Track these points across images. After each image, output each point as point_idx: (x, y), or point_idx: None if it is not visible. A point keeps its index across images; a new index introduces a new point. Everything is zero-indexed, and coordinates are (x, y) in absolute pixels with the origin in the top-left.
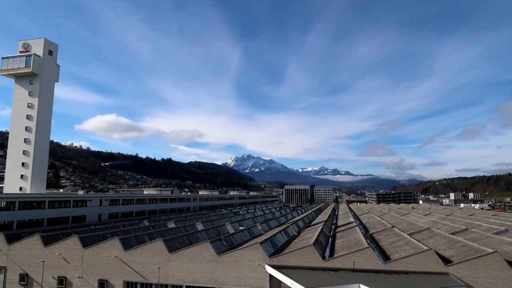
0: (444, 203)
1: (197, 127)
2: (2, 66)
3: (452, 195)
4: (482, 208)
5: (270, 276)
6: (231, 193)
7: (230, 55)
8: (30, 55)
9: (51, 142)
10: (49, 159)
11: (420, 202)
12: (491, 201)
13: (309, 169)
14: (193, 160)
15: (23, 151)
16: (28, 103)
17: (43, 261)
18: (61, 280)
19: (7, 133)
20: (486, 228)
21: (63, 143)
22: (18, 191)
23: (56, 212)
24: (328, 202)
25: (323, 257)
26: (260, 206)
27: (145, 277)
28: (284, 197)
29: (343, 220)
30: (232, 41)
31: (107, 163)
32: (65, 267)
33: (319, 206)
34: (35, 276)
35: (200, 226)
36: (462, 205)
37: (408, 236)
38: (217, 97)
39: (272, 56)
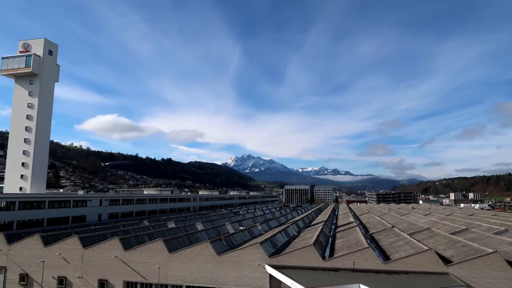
0: (444, 203)
1: (197, 127)
2: (2, 66)
3: (452, 195)
4: (482, 208)
5: (270, 276)
6: (231, 193)
7: (230, 55)
8: (30, 55)
9: (51, 142)
10: (49, 159)
11: (420, 202)
12: (491, 201)
13: (309, 169)
14: (193, 160)
15: (23, 151)
16: (28, 103)
17: (43, 261)
18: (61, 280)
19: (7, 133)
20: (486, 228)
21: (63, 143)
22: (18, 191)
23: (56, 212)
24: (328, 202)
25: (323, 257)
26: (260, 206)
27: (145, 277)
28: (284, 197)
29: (343, 220)
30: (232, 41)
31: (107, 163)
32: (65, 267)
33: (319, 206)
34: (35, 276)
35: (200, 226)
36: (462, 205)
37: (408, 236)
38: (217, 97)
39: (272, 56)
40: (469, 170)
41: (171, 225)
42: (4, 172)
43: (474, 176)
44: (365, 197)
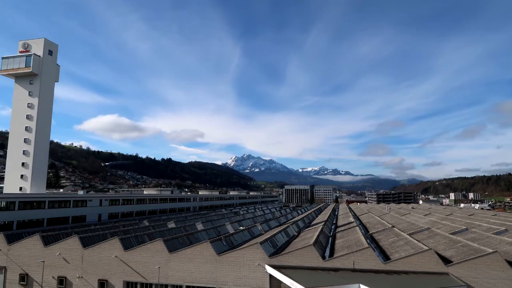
0: (444, 203)
1: (197, 127)
2: (2, 66)
3: (452, 195)
4: (482, 208)
5: (270, 276)
6: (231, 193)
7: (230, 54)
8: (30, 55)
9: (51, 142)
10: (49, 159)
11: (420, 202)
12: (491, 201)
13: (309, 169)
14: (193, 160)
15: (23, 151)
16: (28, 103)
17: (43, 261)
18: (61, 280)
19: (7, 133)
20: (486, 228)
21: (63, 143)
22: (18, 191)
23: (56, 212)
24: (328, 202)
25: (323, 257)
26: (260, 206)
27: (145, 277)
28: (284, 197)
29: (343, 220)
30: (232, 40)
31: (107, 163)
32: (65, 267)
33: (319, 206)
34: (35, 276)
35: (200, 226)
36: (462, 205)
37: (408, 236)
38: (217, 97)
39: (272, 56)
40: (469, 170)
41: (171, 225)
42: (4, 172)
43: (474, 176)
44: (365, 197)
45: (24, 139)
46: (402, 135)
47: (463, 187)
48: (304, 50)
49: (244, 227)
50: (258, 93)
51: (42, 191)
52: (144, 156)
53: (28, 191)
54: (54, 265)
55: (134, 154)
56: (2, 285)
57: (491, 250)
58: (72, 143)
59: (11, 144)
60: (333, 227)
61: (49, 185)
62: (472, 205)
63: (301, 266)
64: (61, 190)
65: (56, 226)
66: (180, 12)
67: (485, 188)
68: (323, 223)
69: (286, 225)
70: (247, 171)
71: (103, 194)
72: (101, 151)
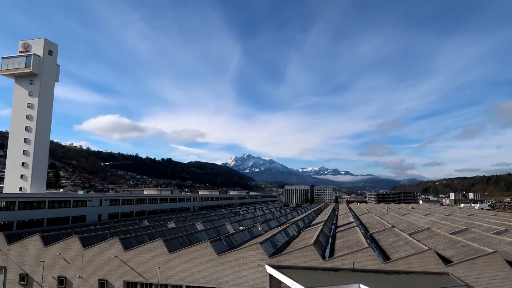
0: (444, 203)
1: (197, 127)
2: (2, 66)
3: (452, 195)
4: (482, 208)
5: (270, 276)
6: (231, 193)
7: (230, 54)
8: (30, 55)
9: (51, 142)
10: (49, 159)
11: (420, 202)
12: (491, 201)
13: (309, 169)
14: (193, 160)
15: (23, 151)
16: (28, 103)
17: (43, 261)
18: (61, 280)
19: (7, 133)
20: (486, 228)
21: (63, 143)
22: (18, 191)
23: (56, 212)
24: (328, 202)
25: (323, 257)
26: (260, 206)
27: (145, 277)
28: (284, 197)
29: (343, 220)
30: (232, 40)
31: (107, 163)
32: (65, 267)
33: (319, 206)
34: (35, 276)
35: (200, 226)
36: (462, 205)
37: (408, 236)
38: (217, 97)
39: (272, 55)
40: (469, 170)
41: (171, 225)
42: (4, 172)
43: (474, 176)
44: (365, 197)
45: (24, 139)
46: (402, 135)
47: (463, 187)
48: (304, 50)
49: (244, 227)
50: (258, 93)
51: (42, 191)
52: (144, 156)
53: (28, 191)
54: (54, 265)
55: (134, 154)
56: (2, 285)
57: (491, 250)
58: (72, 143)
59: (11, 144)
60: (333, 227)
61: (49, 185)
62: (472, 205)
63: (301, 266)
64: (61, 190)
65: (56, 226)
66: (180, 11)
67: (485, 188)
68: (323, 223)
69: (286, 225)
70: (247, 171)
71: (103, 194)
72: (101, 151)
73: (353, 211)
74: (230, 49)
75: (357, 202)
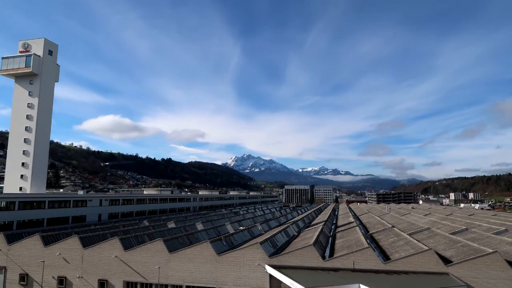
0: (444, 203)
1: (197, 127)
2: (2, 66)
3: (452, 195)
4: (482, 208)
5: (270, 276)
6: (231, 193)
7: (230, 54)
8: (30, 55)
9: (51, 142)
10: (49, 159)
11: (420, 202)
12: (491, 201)
13: (309, 169)
14: (193, 160)
15: (23, 151)
16: (28, 103)
17: (43, 261)
18: (61, 280)
19: (7, 133)
20: (486, 228)
21: (63, 143)
22: (18, 191)
23: (56, 212)
24: (328, 202)
25: (323, 257)
26: (260, 206)
27: (145, 277)
28: (284, 197)
29: (343, 220)
30: (232, 39)
31: (107, 163)
32: (65, 267)
33: (319, 206)
34: (35, 276)
35: (200, 226)
36: (462, 205)
37: (408, 236)
38: (217, 97)
39: (272, 55)
40: (469, 170)
41: (171, 225)
42: (4, 172)
43: (474, 176)
44: (365, 197)
45: (24, 139)
46: (402, 135)
47: (463, 187)
48: (304, 50)
49: (244, 227)
50: (258, 93)
51: (42, 191)
52: (144, 156)
53: (28, 191)
54: (54, 265)
55: (134, 154)
56: (2, 285)
57: (491, 250)
58: (72, 143)
59: (11, 144)
60: (333, 227)
61: (49, 185)
62: (472, 205)
63: (301, 266)
64: (61, 190)
65: (56, 226)
66: (179, 10)
67: (485, 188)
68: (323, 223)
69: (286, 225)
70: (247, 171)
71: (103, 194)
72: (101, 151)
73: (353, 211)
74: (230, 49)
75: (357, 202)
